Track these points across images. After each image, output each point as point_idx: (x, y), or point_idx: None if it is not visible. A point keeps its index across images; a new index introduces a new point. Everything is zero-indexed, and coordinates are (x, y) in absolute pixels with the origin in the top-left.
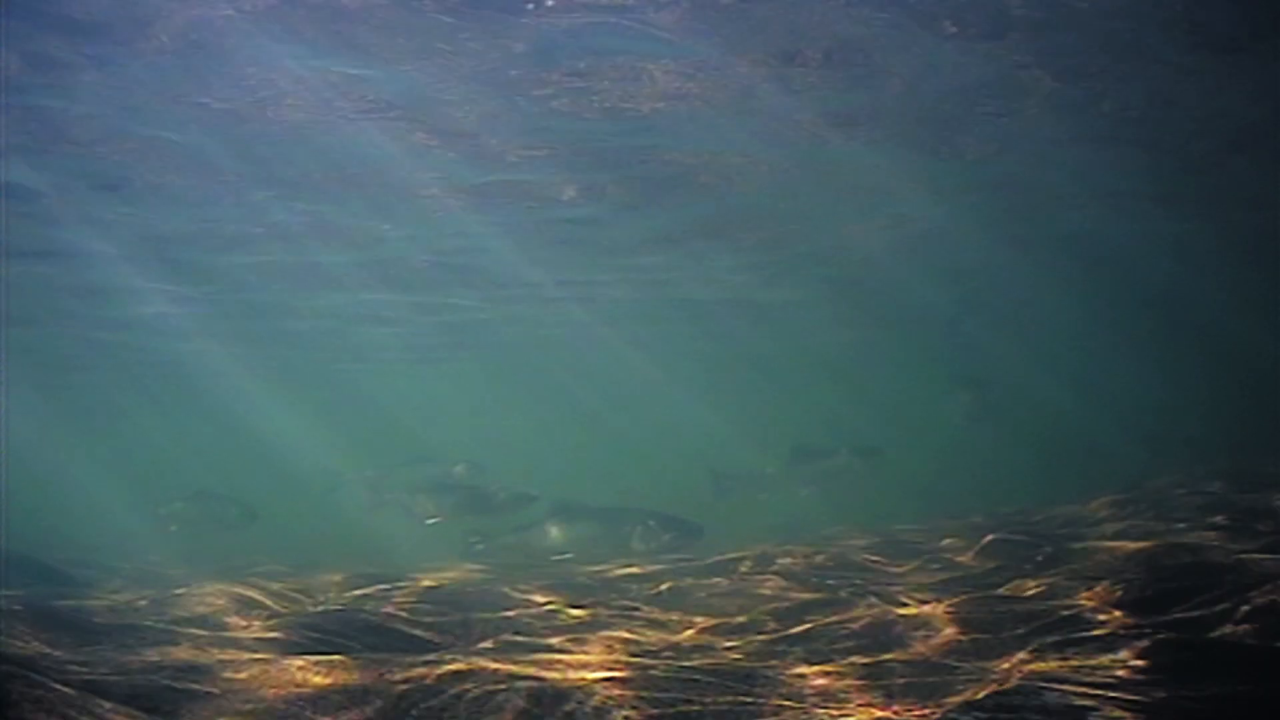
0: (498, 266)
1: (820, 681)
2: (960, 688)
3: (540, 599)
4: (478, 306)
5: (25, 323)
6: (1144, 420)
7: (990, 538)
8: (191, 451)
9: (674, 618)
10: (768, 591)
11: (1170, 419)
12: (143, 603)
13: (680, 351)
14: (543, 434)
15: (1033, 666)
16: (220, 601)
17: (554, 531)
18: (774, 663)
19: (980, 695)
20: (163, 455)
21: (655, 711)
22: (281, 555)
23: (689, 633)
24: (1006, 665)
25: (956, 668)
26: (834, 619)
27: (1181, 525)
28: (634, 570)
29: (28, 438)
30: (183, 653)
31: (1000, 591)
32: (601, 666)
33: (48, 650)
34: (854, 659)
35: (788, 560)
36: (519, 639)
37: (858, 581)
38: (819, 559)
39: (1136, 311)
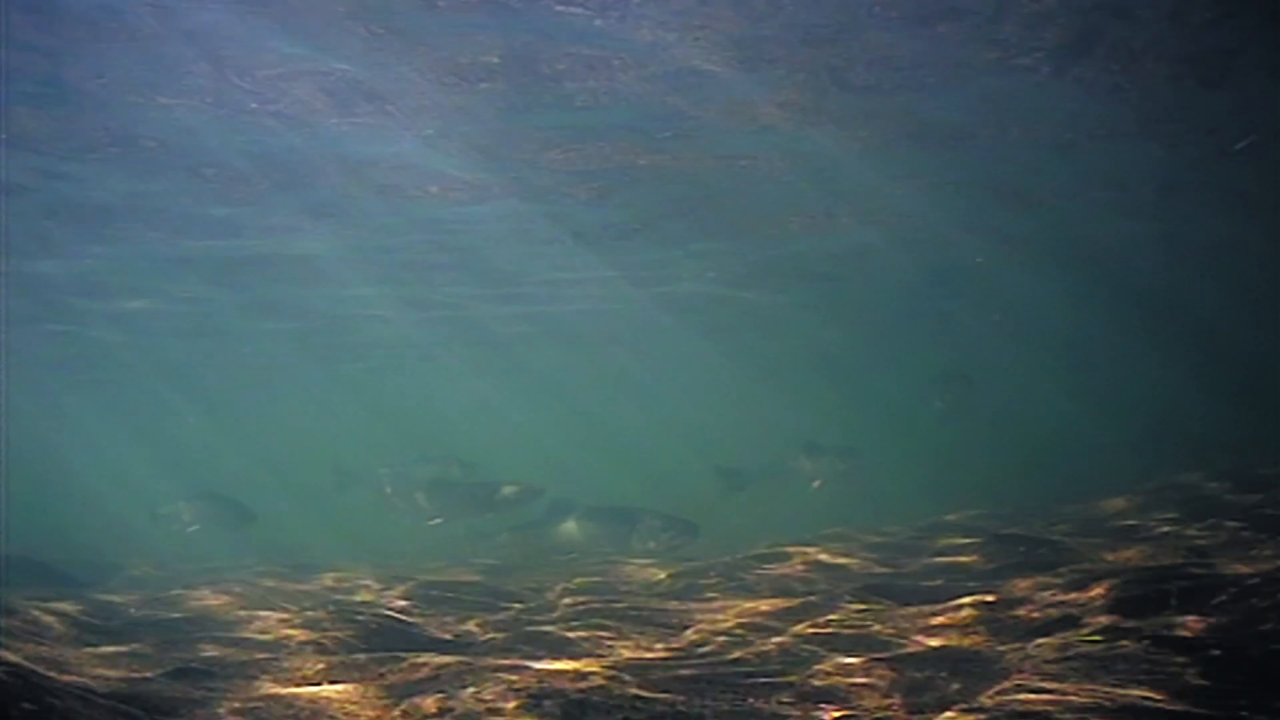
0: (500, 264)
1: (825, 681)
2: (958, 688)
3: (547, 595)
4: (480, 304)
5: (28, 321)
6: (1145, 420)
7: (990, 538)
8: (197, 450)
9: (674, 621)
10: (763, 593)
11: (1168, 418)
12: (143, 603)
13: (680, 350)
14: (543, 432)
15: (1031, 668)
16: (224, 602)
17: (553, 530)
18: (774, 665)
19: (980, 696)
20: (166, 454)
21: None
22: (288, 555)
23: (690, 634)
24: (1005, 666)
25: (955, 666)
26: (831, 617)
27: (1182, 526)
28: (636, 570)
29: (31, 437)
30: (183, 653)
31: (1000, 591)
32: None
33: (45, 651)
34: (855, 659)
35: (786, 561)
36: (522, 638)
37: (855, 583)
38: (820, 558)
39: (1135, 310)
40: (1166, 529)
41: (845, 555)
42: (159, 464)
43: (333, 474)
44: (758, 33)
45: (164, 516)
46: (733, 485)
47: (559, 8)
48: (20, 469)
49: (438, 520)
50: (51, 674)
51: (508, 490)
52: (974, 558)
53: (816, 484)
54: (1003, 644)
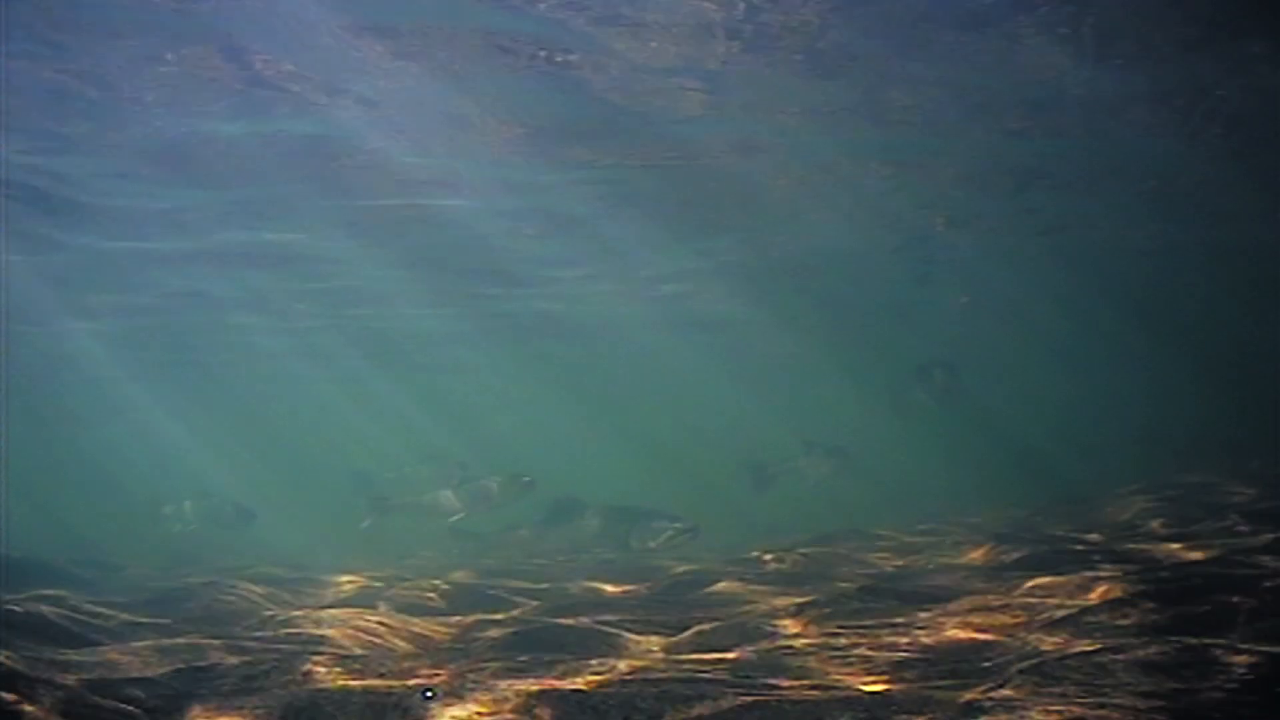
0: (500, 263)
1: (827, 678)
2: (956, 688)
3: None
4: (485, 304)
5: (30, 320)
6: (1146, 419)
7: (992, 537)
8: (208, 450)
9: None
10: (761, 591)
11: (1169, 418)
12: (146, 602)
13: (681, 348)
14: (547, 432)
15: (1031, 670)
16: (228, 600)
17: (554, 529)
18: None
19: (979, 696)
20: (173, 453)
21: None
22: (299, 556)
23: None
24: (1005, 667)
25: (953, 667)
26: (833, 613)
27: (1184, 526)
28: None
29: (32, 436)
30: (185, 653)
31: (1001, 591)
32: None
33: (47, 652)
34: (848, 659)
35: (782, 561)
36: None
37: (855, 583)
38: (816, 557)
39: (1134, 309)
40: (1169, 529)
41: (850, 555)
42: (161, 463)
43: (352, 477)
44: (756, 32)
45: (166, 516)
46: (760, 480)
47: (558, 7)
48: (22, 468)
49: (459, 517)
50: (53, 675)
51: (496, 485)
52: (976, 557)
53: (811, 482)
54: (1002, 645)
